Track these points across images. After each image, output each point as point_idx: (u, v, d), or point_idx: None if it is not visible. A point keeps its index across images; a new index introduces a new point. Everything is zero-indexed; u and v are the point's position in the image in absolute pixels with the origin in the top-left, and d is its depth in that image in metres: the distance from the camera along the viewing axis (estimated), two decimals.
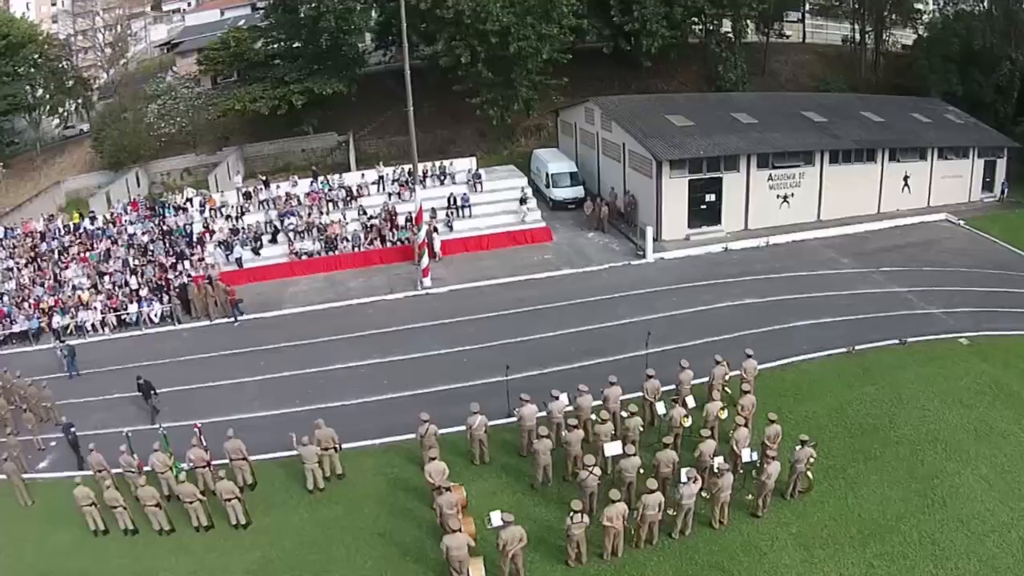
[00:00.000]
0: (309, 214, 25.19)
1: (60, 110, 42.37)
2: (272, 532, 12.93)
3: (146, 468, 13.98)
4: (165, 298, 22.76)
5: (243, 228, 25.54)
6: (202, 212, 27.03)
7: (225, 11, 52.62)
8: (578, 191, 27.32)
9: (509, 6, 29.70)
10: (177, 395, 17.28)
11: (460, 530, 10.64)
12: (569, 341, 17.90)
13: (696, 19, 34.85)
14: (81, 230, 28.61)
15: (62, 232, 28.77)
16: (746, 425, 12.71)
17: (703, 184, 23.82)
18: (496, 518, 10.69)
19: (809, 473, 12.43)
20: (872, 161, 26.07)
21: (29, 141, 43.70)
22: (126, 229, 27.98)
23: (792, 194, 25.06)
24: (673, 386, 14.15)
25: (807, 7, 40.40)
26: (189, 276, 23.40)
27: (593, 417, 13.12)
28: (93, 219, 29.04)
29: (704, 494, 11.63)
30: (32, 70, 41.37)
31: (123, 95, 40.93)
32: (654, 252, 22.87)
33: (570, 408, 13.48)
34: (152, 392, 16.59)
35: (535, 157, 29.65)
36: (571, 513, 10.67)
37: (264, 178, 28.80)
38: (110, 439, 15.03)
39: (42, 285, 25.70)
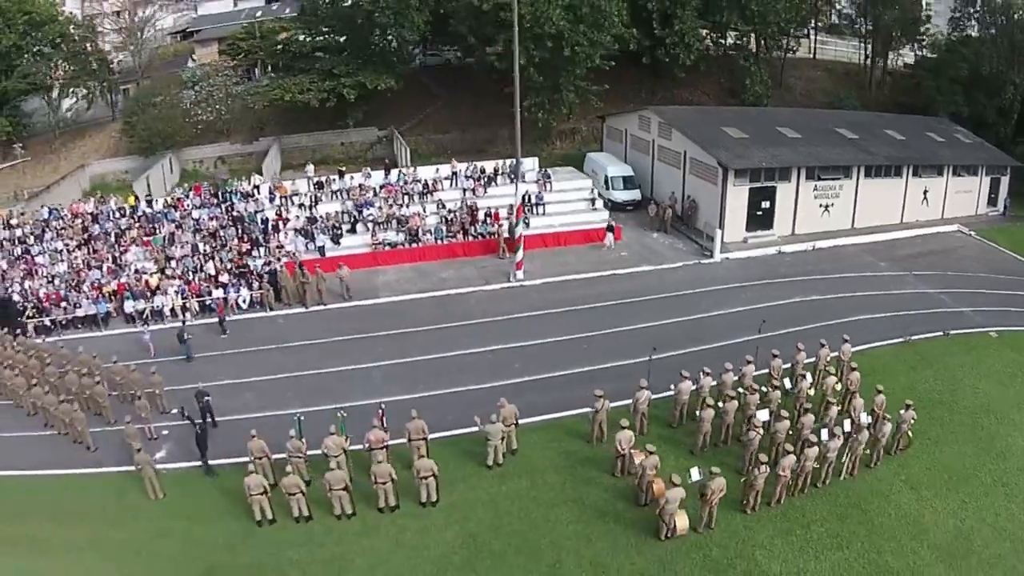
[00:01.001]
0: (390, 206, 27.41)
1: (85, 92, 42.57)
2: (462, 508, 14.36)
3: (311, 452, 14.66)
4: (255, 284, 24.47)
5: (321, 217, 27.46)
6: (272, 200, 28.72)
7: (238, 2, 54.08)
8: (635, 194, 30.69)
9: (565, 12, 32.71)
10: (306, 379, 18.90)
11: (678, 485, 13.17)
12: (675, 329, 21.07)
13: (723, 33, 38.85)
14: (140, 213, 29.55)
15: (116, 215, 29.69)
16: (858, 395, 16.23)
17: (760, 192, 27.56)
18: (696, 473, 13.62)
19: (909, 432, 16.06)
20: (898, 176, 30.48)
21: (46, 123, 43.72)
22: (191, 214, 29.15)
23: (832, 204, 29.16)
24: (788, 365, 17.53)
25: (816, 24, 45.01)
26: (276, 262, 25.10)
27: (739, 390, 16.28)
28: (150, 202, 30.09)
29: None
30: (52, 50, 41.56)
31: (156, 80, 41.57)
32: (720, 253, 26.42)
33: (713, 383, 16.61)
34: (209, 414, 16.88)
35: (590, 160, 32.78)
36: (759, 464, 13.74)
37: (342, 168, 30.66)
38: (258, 423, 15.89)
39: (99, 268, 26.76)
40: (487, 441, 15.35)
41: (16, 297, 24.43)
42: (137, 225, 29.06)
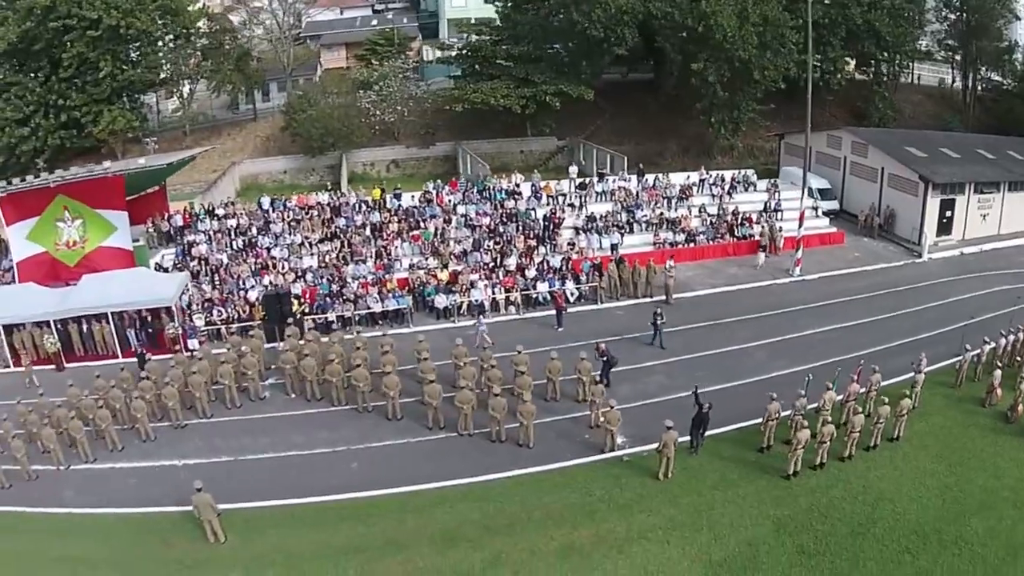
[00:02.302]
0: (661, 209, 34.12)
1: (230, 87, 45.51)
2: (915, 439, 20.54)
3: (811, 405, 19.69)
4: (582, 278, 30.16)
5: (599, 216, 33.60)
6: (538, 198, 34.49)
7: (345, 11, 59.10)
8: (834, 204, 39.01)
9: (756, 38, 40.43)
10: (702, 360, 25.01)
11: None
12: (945, 310, 28.97)
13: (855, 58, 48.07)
14: (398, 207, 34.09)
15: (362, 209, 33.75)
16: None
17: (945, 203, 36.58)
18: None
19: None
20: None
21: (177, 119, 46.11)
22: (454, 209, 34.08)
23: (988, 213, 38.68)
24: None
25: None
26: (570, 258, 30.71)
27: None
28: (398, 196, 34.71)
29: None
30: (183, 40, 44.37)
31: (325, 79, 45.44)
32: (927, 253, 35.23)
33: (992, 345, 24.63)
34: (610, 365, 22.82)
35: (788, 173, 40.73)
36: None
37: (603, 171, 36.94)
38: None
39: (363, 262, 30.93)
40: (912, 387, 22.49)
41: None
42: (396, 219, 33.55)
